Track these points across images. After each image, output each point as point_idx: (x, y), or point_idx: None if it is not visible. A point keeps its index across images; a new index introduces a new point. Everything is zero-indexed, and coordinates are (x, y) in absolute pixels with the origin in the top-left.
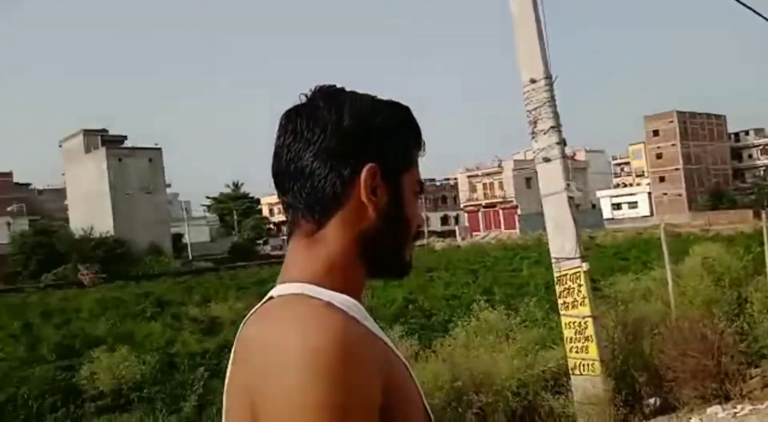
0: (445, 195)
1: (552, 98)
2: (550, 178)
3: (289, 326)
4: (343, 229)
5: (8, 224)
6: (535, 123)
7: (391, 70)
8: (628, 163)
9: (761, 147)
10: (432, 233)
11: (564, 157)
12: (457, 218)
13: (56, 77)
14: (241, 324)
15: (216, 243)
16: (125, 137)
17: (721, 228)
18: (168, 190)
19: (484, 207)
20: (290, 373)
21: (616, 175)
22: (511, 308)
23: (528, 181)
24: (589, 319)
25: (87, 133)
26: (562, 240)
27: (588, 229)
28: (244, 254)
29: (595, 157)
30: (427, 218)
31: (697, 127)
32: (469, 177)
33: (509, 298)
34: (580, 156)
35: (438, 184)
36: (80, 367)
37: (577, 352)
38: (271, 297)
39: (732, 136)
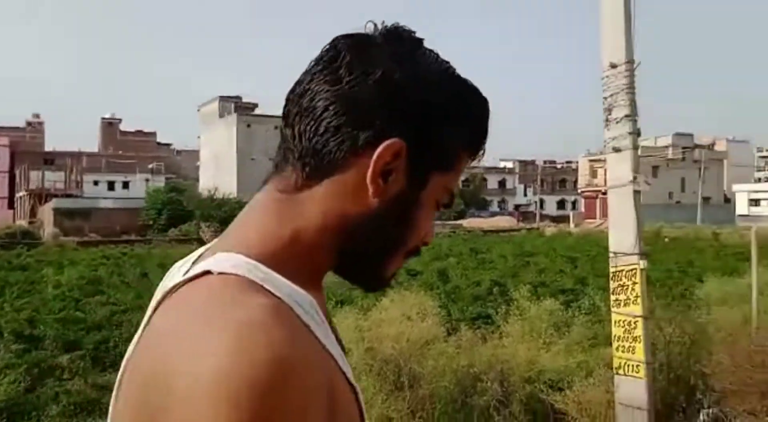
0: (565, 178)
1: (631, 85)
2: (618, 169)
3: (218, 340)
4: (328, 201)
5: (147, 180)
6: (609, 110)
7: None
8: None
9: None
10: (545, 217)
11: (636, 148)
12: (574, 203)
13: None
14: (159, 295)
15: None
16: (256, 105)
17: None
18: None
19: (604, 193)
20: (205, 405)
21: (760, 169)
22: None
23: (655, 169)
24: (640, 319)
25: (222, 99)
26: (621, 234)
27: (714, 225)
28: None
29: (738, 148)
30: (542, 201)
31: None
32: (590, 161)
33: (602, 290)
34: (721, 146)
35: (559, 166)
36: None
37: (623, 352)
38: (207, 272)
39: None
